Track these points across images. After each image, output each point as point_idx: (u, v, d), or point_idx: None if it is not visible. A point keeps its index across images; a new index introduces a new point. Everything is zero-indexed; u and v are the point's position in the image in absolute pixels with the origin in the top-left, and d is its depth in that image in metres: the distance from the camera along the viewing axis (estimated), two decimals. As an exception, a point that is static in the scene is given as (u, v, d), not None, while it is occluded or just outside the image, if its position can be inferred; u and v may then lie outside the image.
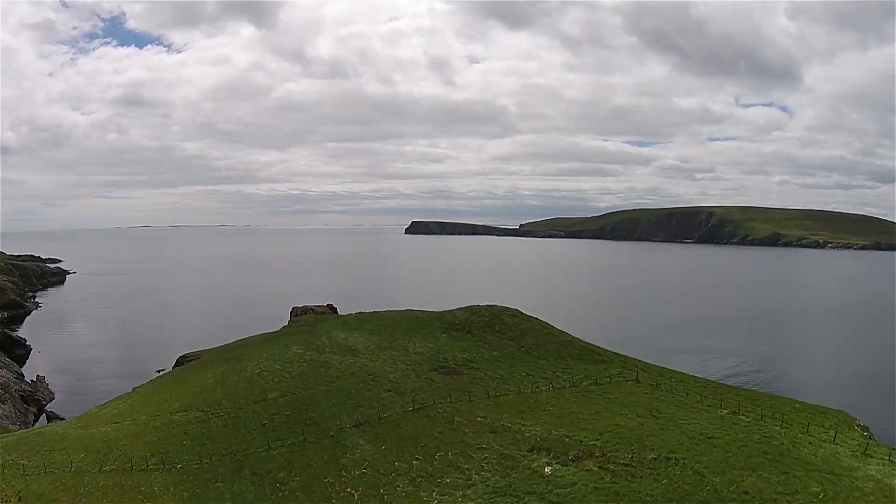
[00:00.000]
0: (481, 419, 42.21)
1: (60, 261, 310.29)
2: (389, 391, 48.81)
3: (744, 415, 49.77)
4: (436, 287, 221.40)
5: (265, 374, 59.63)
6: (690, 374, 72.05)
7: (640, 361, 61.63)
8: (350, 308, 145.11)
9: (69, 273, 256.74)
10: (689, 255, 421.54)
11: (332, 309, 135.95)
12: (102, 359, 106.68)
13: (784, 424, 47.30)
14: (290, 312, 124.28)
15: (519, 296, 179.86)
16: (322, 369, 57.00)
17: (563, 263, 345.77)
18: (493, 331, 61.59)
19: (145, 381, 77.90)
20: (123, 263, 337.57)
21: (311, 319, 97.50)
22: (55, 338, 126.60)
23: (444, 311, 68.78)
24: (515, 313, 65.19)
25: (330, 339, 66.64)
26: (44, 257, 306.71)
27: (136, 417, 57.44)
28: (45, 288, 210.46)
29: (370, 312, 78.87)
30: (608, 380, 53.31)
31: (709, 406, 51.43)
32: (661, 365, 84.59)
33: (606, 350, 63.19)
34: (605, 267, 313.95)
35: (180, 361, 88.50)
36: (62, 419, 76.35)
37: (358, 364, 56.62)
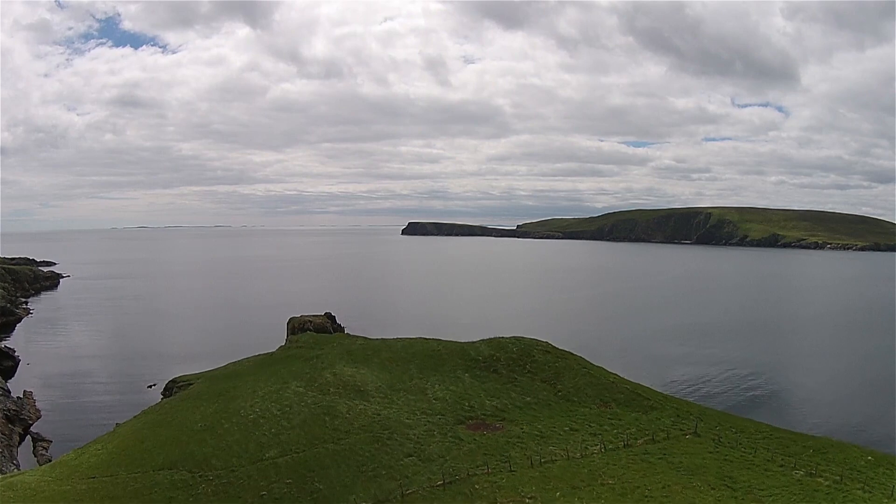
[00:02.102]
0: (530, 500, 34.42)
1: (54, 263, 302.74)
2: (411, 455, 40.77)
3: (821, 476, 42.95)
4: (440, 293, 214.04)
5: (261, 420, 51.67)
6: (736, 412, 65.45)
7: (691, 404, 54.13)
8: (350, 317, 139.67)
9: (63, 277, 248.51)
10: (691, 257, 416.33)
11: (331, 318, 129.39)
12: (92, 373, 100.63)
13: (866, 487, 40.82)
14: (287, 324, 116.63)
15: (533, 304, 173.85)
16: (327, 418, 49.04)
17: (569, 266, 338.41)
18: (523, 370, 53.57)
19: (130, 416, 70.14)
20: (118, 266, 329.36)
21: (310, 340, 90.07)
22: (45, 348, 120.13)
23: (464, 344, 60.68)
24: (547, 348, 57.10)
25: (334, 376, 58.67)
26: (38, 260, 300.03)
27: (114, 472, 49.58)
28: (37, 293, 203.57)
29: (378, 340, 71.06)
30: (664, 434, 45.64)
31: (781, 466, 44.35)
32: (700, 398, 78.71)
33: (652, 390, 55.55)
34: (611, 269, 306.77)
35: (169, 387, 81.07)
36: (48, 442, 70.84)
37: (369, 412, 48.64)
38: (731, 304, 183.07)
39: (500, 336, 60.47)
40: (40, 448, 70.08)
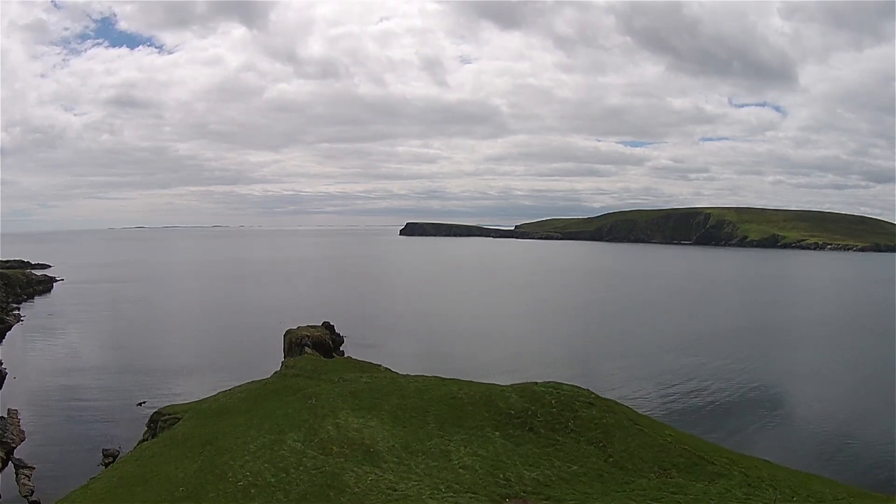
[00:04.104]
0: None
1: (49, 266, 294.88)
2: (442, 559, 32.44)
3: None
4: (443, 297, 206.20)
5: (252, 490, 42.95)
6: (796, 466, 57.61)
7: (759, 465, 45.96)
8: (349, 325, 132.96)
9: (57, 280, 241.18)
10: (694, 258, 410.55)
11: (329, 328, 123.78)
12: (82, 388, 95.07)
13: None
14: (283, 338, 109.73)
15: (544, 308, 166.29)
16: (332, 492, 40.43)
17: (572, 267, 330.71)
18: (565, 429, 45.04)
19: (118, 439, 69.53)
20: (114, 269, 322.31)
21: (308, 367, 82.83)
22: (33, 359, 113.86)
23: (489, 388, 52.14)
24: (591, 399, 48.51)
25: (337, 429, 50.12)
26: (32, 262, 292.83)
27: (80, 552, 41.67)
28: (30, 297, 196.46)
29: (386, 377, 62.69)
30: (743, 515, 37.49)
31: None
32: (740, 431, 71.22)
33: (711, 445, 47.42)
34: (616, 272, 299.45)
35: (154, 419, 73.60)
36: (31, 468, 65.60)
37: (383, 486, 40.13)
38: (748, 310, 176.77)
39: (534, 382, 51.78)
40: (23, 476, 64.81)
